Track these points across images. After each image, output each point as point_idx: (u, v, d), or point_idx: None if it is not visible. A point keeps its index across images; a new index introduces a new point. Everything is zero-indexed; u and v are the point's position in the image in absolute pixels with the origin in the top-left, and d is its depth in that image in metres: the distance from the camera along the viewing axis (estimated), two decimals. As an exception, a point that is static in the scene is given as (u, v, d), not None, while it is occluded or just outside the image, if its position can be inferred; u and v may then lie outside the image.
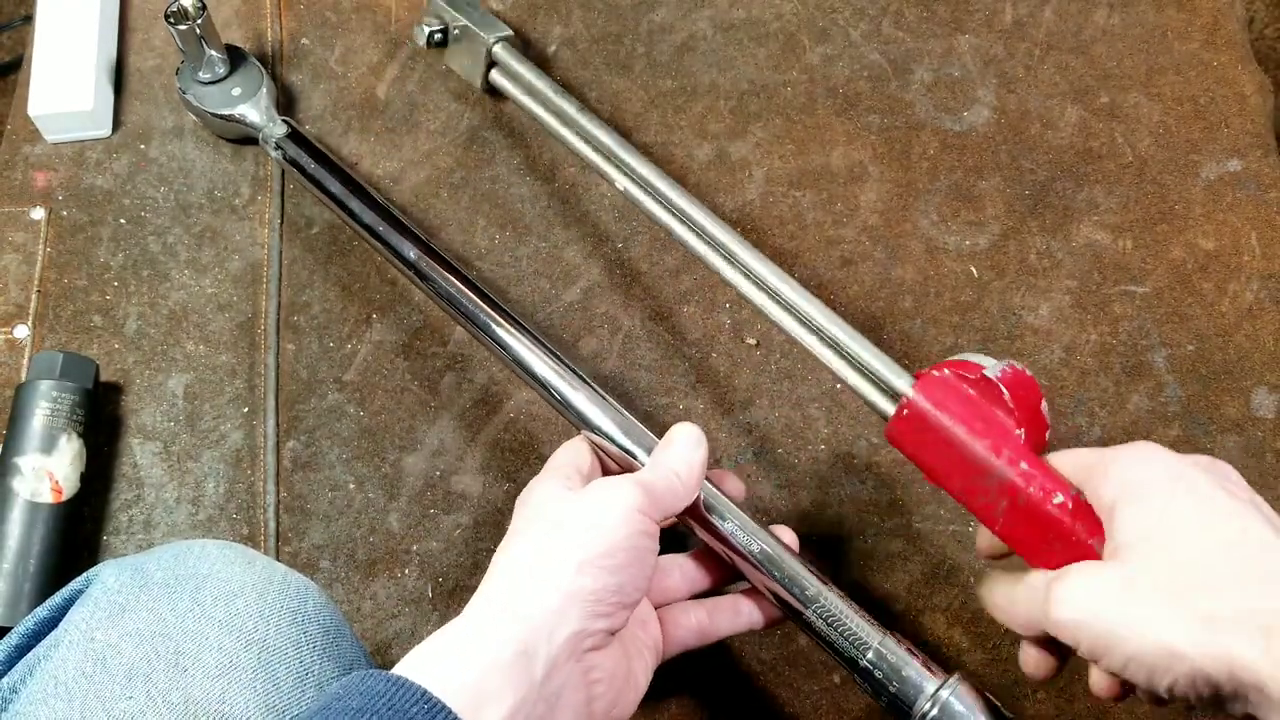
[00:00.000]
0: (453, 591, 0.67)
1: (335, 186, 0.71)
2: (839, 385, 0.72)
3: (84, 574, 0.50)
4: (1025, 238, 0.76)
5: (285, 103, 0.81)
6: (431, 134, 0.80)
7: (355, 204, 0.70)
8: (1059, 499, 0.47)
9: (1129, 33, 0.83)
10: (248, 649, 0.46)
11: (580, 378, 0.60)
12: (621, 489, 0.49)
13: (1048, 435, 0.50)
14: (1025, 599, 0.47)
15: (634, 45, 0.83)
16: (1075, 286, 0.75)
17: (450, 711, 0.40)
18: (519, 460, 0.70)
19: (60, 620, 0.48)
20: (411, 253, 0.67)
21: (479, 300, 0.64)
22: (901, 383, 0.53)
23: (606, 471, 0.58)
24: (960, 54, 0.83)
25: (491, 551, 0.67)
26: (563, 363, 0.60)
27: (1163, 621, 0.41)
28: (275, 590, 0.49)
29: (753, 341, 0.73)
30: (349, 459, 0.70)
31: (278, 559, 0.67)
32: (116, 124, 0.80)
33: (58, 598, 0.49)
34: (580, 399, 0.59)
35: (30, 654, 0.47)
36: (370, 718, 0.39)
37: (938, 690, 0.51)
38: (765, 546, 0.55)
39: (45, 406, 0.66)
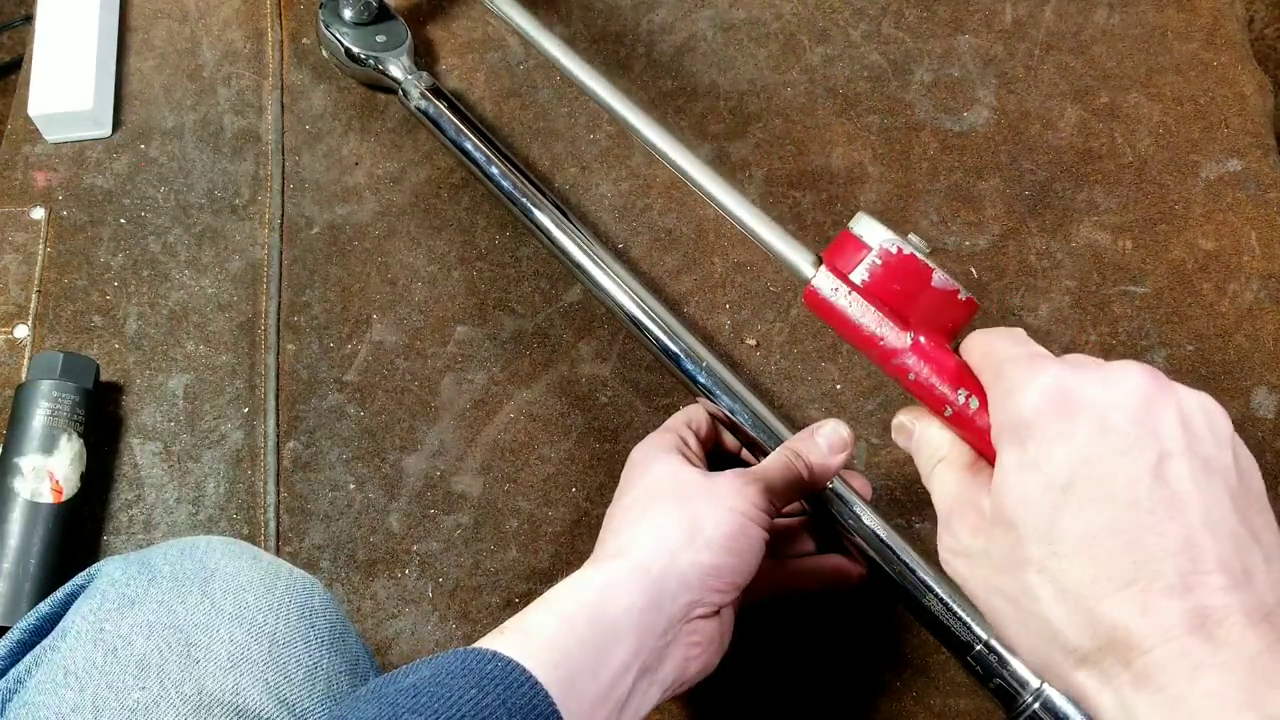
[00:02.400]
0: (453, 591, 0.67)
1: (477, 150, 0.73)
2: (839, 386, 0.72)
3: (85, 570, 0.50)
4: (1025, 238, 0.76)
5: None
6: (432, 134, 0.80)
7: (495, 169, 0.72)
8: (948, 412, 0.44)
9: (1129, 33, 0.83)
10: (258, 641, 0.46)
11: (715, 355, 0.64)
12: (751, 486, 0.54)
13: (962, 296, 0.44)
14: (923, 454, 0.45)
15: (634, 45, 0.83)
16: (1075, 287, 0.75)
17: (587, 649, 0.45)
18: (519, 460, 0.70)
19: (63, 616, 0.48)
20: (550, 223, 0.69)
21: (620, 275, 0.67)
22: (805, 266, 0.48)
23: (722, 442, 0.63)
24: (960, 54, 0.83)
25: (492, 552, 0.68)
26: (695, 337, 0.64)
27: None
28: (282, 585, 0.49)
29: (752, 342, 0.73)
30: (349, 459, 0.70)
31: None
32: (116, 124, 0.80)
33: (60, 594, 0.49)
34: (717, 377, 0.63)
35: (35, 648, 0.47)
36: (486, 677, 0.42)
37: (1040, 685, 0.55)
38: (889, 538, 0.59)
39: (45, 406, 0.66)
